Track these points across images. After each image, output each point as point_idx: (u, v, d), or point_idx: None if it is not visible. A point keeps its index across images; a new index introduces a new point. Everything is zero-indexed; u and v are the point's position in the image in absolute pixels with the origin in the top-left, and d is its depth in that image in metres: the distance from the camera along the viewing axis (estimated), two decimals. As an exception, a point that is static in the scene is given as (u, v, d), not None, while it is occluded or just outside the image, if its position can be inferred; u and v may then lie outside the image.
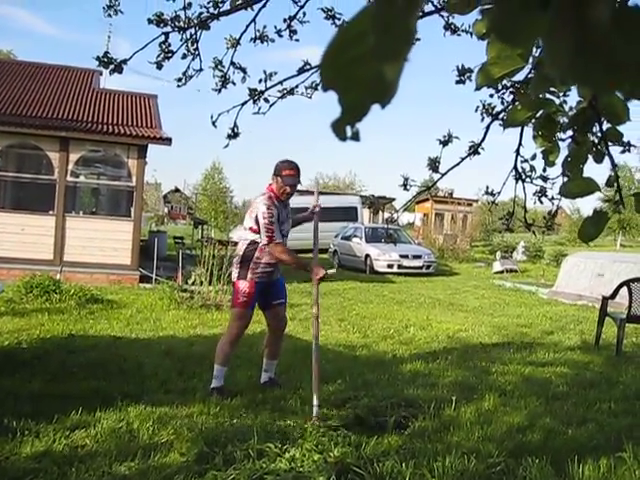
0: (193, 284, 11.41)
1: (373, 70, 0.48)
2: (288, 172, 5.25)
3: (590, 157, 1.55)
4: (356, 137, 0.54)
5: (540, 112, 1.60)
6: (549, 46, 0.50)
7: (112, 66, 4.34)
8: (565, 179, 1.77)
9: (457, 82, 3.68)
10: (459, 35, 4.38)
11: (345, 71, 0.50)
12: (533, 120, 1.65)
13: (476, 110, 3.40)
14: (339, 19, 4.72)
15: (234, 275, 5.43)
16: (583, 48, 0.48)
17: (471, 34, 4.27)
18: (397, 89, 0.50)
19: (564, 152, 1.70)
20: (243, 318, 5.42)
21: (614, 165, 1.44)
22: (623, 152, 2.43)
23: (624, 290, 8.17)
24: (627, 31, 0.47)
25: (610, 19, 0.47)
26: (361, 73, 0.49)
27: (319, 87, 4.78)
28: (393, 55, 0.48)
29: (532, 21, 0.51)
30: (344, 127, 0.52)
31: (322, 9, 4.69)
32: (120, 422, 4.53)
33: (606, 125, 1.44)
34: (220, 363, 5.41)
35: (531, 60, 1.34)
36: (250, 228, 5.31)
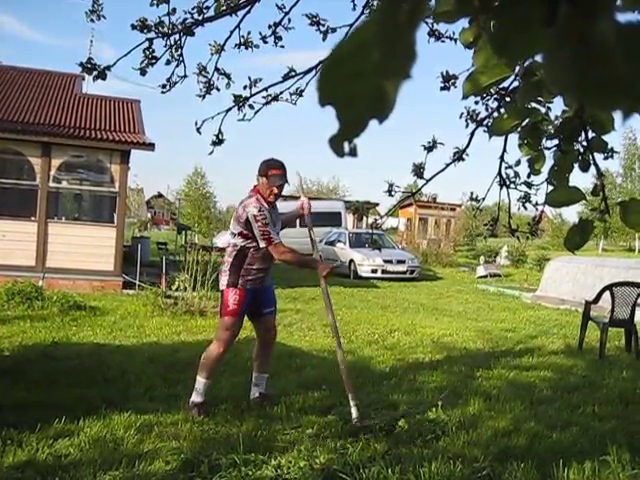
0: (177, 290, 11.36)
1: (373, 86, 0.48)
2: (275, 171, 4.96)
3: (576, 166, 1.56)
4: (354, 153, 0.53)
5: (526, 121, 1.60)
6: (550, 62, 0.50)
7: (96, 72, 4.31)
8: (550, 187, 1.78)
9: (442, 89, 3.69)
10: (443, 42, 4.40)
11: (344, 86, 0.49)
12: (519, 128, 1.65)
13: (460, 116, 3.41)
14: (323, 25, 4.73)
15: (223, 283, 5.10)
16: (585, 65, 0.48)
17: (455, 41, 4.30)
18: (395, 104, 0.49)
19: (549, 160, 1.70)
20: (233, 327, 5.06)
21: (600, 174, 1.44)
22: (606, 159, 2.45)
23: (607, 294, 8.23)
24: (629, 48, 0.47)
25: (613, 36, 0.47)
26: (361, 89, 0.48)
27: (303, 94, 4.79)
28: (396, 72, 0.47)
29: (533, 36, 0.51)
30: (342, 143, 0.52)
31: (307, 15, 4.69)
32: (104, 430, 4.49)
33: (591, 134, 1.45)
34: (204, 376, 5.07)
35: (517, 68, 1.35)
36: (240, 233, 5.01)
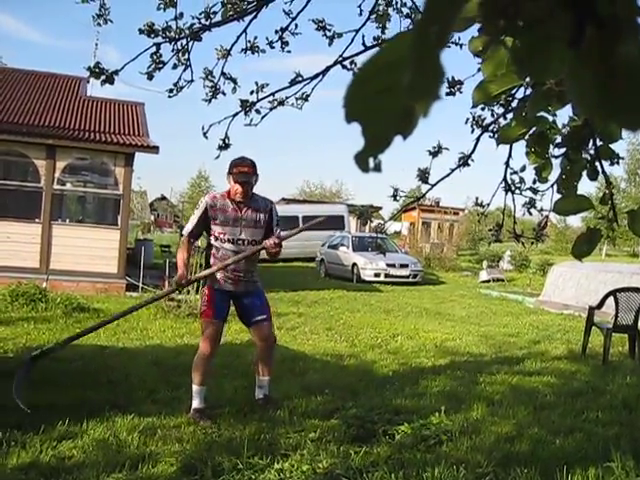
0: (180, 293, 11.34)
1: (402, 104, 0.48)
2: (239, 169, 4.79)
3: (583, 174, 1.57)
4: (378, 168, 0.54)
5: (533, 129, 1.61)
6: (575, 81, 0.50)
7: (103, 77, 4.31)
8: (556, 193, 1.78)
9: (447, 94, 3.70)
10: (449, 47, 4.41)
11: (371, 104, 0.50)
12: (526, 136, 1.66)
13: (466, 122, 3.42)
14: (330, 30, 4.74)
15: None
16: (608, 85, 0.48)
17: (461, 46, 4.31)
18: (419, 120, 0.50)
19: (556, 168, 1.71)
20: (207, 328, 4.94)
21: (609, 183, 1.44)
22: (612, 164, 2.45)
23: (610, 299, 8.22)
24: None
25: (637, 57, 0.48)
26: (389, 106, 0.49)
27: (309, 99, 4.80)
28: (426, 92, 0.48)
29: (557, 56, 0.51)
30: (367, 159, 0.52)
31: (313, 20, 4.71)
32: (107, 433, 4.49)
33: (599, 142, 1.45)
34: (197, 383, 4.96)
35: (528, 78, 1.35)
36: None
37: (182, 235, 4.96)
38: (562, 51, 0.50)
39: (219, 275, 4.96)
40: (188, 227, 4.91)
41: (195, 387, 4.99)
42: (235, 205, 4.89)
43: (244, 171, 4.82)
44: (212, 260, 4.97)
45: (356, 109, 0.51)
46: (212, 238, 4.93)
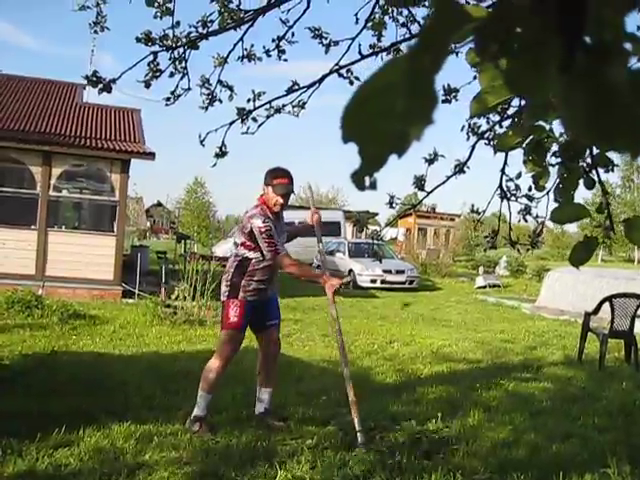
0: (176, 299, 11.35)
1: (397, 126, 0.50)
2: (280, 180, 4.78)
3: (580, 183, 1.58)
4: (374, 186, 0.55)
5: (530, 137, 1.62)
6: (565, 104, 0.52)
7: (101, 85, 4.32)
8: (552, 199, 1.80)
9: (443, 101, 3.72)
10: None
11: (368, 125, 0.51)
12: (523, 144, 1.67)
13: (462, 130, 3.44)
14: (326, 38, 4.76)
15: (224, 293, 4.97)
16: (598, 108, 0.49)
17: (457, 54, 4.33)
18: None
19: (554, 176, 1.72)
20: (234, 341, 4.93)
21: (605, 192, 1.46)
22: (607, 172, 2.47)
23: (606, 305, 8.24)
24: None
25: (626, 81, 0.49)
26: (384, 128, 0.50)
27: (305, 106, 4.82)
28: (420, 116, 0.49)
29: (547, 78, 0.53)
30: (363, 178, 0.54)
31: (309, 28, 4.73)
32: (104, 440, 4.49)
33: (595, 151, 1.46)
34: (206, 390, 4.89)
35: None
36: (243, 244, 4.88)
37: (278, 253, 4.74)
38: (553, 74, 0.52)
39: (253, 286, 4.92)
40: (279, 245, 4.80)
41: (204, 394, 4.91)
42: (274, 215, 4.89)
43: (286, 182, 4.82)
44: (250, 271, 4.89)
45: (353, 130, 0.52)
46: (252, 251, 4.86)
